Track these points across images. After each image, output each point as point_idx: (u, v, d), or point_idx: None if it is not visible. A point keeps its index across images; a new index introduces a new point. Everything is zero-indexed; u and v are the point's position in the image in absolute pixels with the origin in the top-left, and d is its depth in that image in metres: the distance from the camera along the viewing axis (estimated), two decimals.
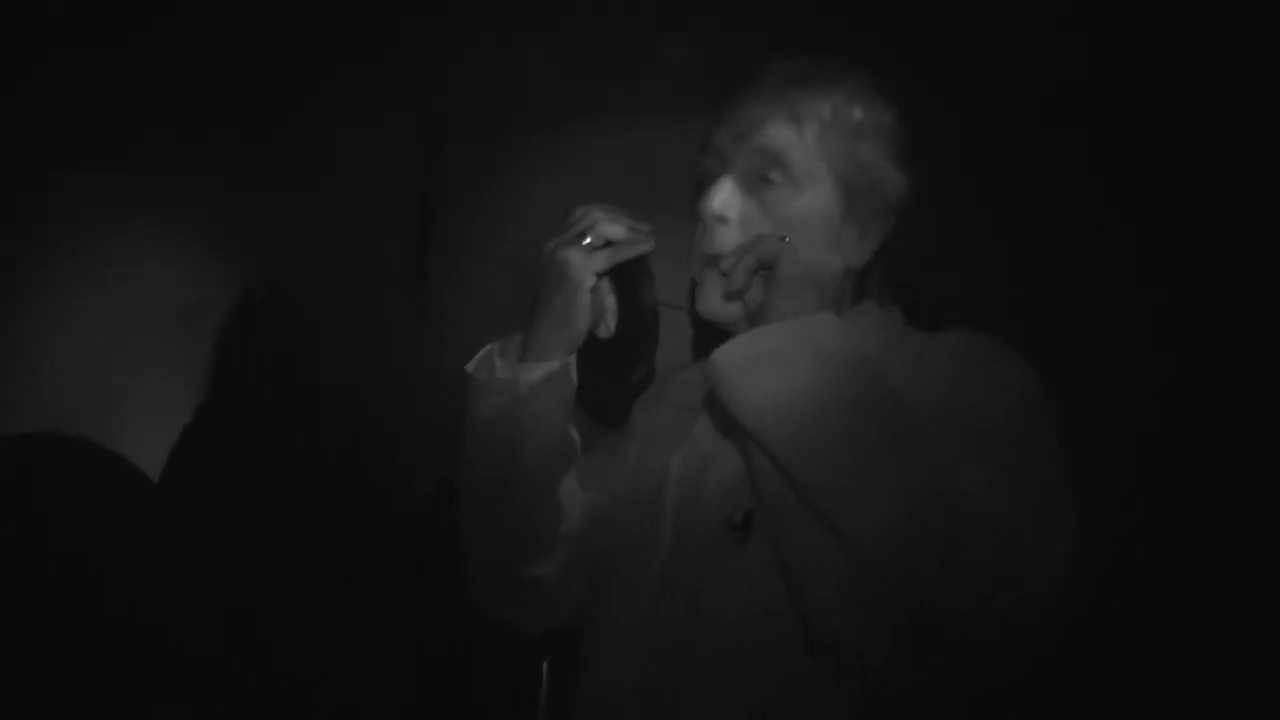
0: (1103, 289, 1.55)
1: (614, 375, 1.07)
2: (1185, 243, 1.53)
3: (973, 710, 0.84)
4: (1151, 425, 1.48)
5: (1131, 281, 1.54)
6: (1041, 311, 1.53)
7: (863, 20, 1.52)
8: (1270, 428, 1.46)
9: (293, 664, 1.61)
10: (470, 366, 1.04)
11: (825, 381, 0.83)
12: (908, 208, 1.03)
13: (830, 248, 0.99)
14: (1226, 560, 1.44)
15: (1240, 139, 1.52)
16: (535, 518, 1.05)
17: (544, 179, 1.77)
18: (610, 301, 1.05)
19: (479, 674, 1.69)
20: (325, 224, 1.74)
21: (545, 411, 1.01)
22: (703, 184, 1.04)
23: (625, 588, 1.01)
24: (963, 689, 0.82)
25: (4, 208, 1.62)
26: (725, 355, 0.87)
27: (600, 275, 1.00)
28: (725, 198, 1.00)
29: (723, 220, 1.00)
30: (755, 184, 1.00)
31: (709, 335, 1.05)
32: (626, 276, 1.03)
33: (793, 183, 0.99)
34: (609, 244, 1.00)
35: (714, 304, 1.00)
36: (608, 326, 1.06)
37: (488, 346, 1.05)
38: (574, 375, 1.03)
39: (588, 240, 0.99)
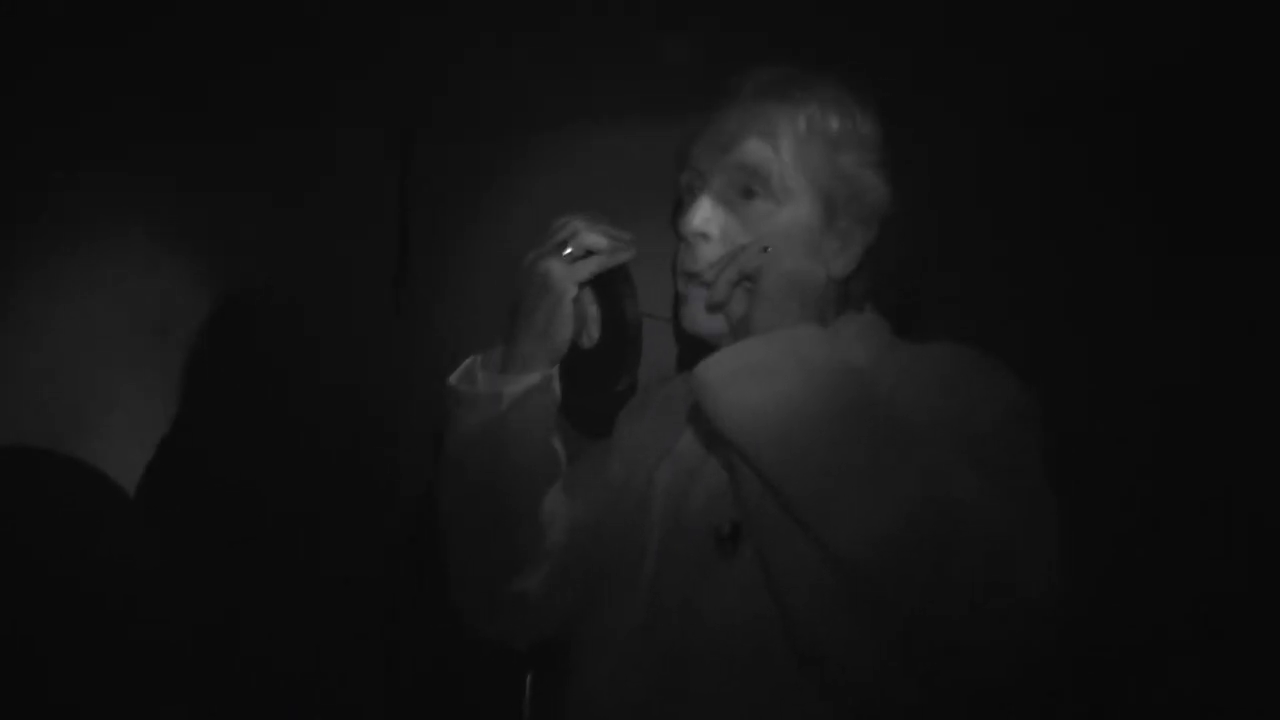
0: (1102, 289, 1.55)
1: (597, 386, 1.06)
2: (1185, 243, 1.53)
3: (968, 716, 0.84)
4: (1151, 425, 1.48)
5: (1131, 281, 1.54)
6: (1041, 311, 1.53)
7: (863, 20, 1.52)
8: (1270, 428, 1.46)
9: (273, 675, 1.61)
10: (453, 379, 1.03)
11: (810, 393, 0.82)
12: (889, 215, 1.02)
13: (813, 259, 0.99)
14: (1226, 560, 1.44)
15: (1240, 139, 1.52)
16: (519, 531, 1.05)
17: (527, 184, 1.77)
18: (593, 311, 1.04)
19: (463, 686, 1.69)
20: (305, 231, 1.74)
21: (528, 424, 1.01)
22: (681, 200, 1.04)
23: (613, 599, 1.01)
24: (956, 696, 0.82)
25: None
26: (708, 369, 0.86)
27: (582, 285, 1.00)
28: (705, 215, 0.99)
29: (705, 237, 0.99)
30: (735, 199, 0.99)
31: (693, 346, 1.05)
32: (608, 286, 1.03)
33: (772, 197, 0.98)
34: (590, 253, 0.99)
35: (698, 319, 1.00)
36: (590, 337, 1.05)
37: (470, 359, 1.04)
38: (557, 387, 1.02)
39: (569, 250, 0.99)
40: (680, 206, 1.04)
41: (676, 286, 1.03)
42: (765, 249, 0.93)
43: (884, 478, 0.79)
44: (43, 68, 1.60)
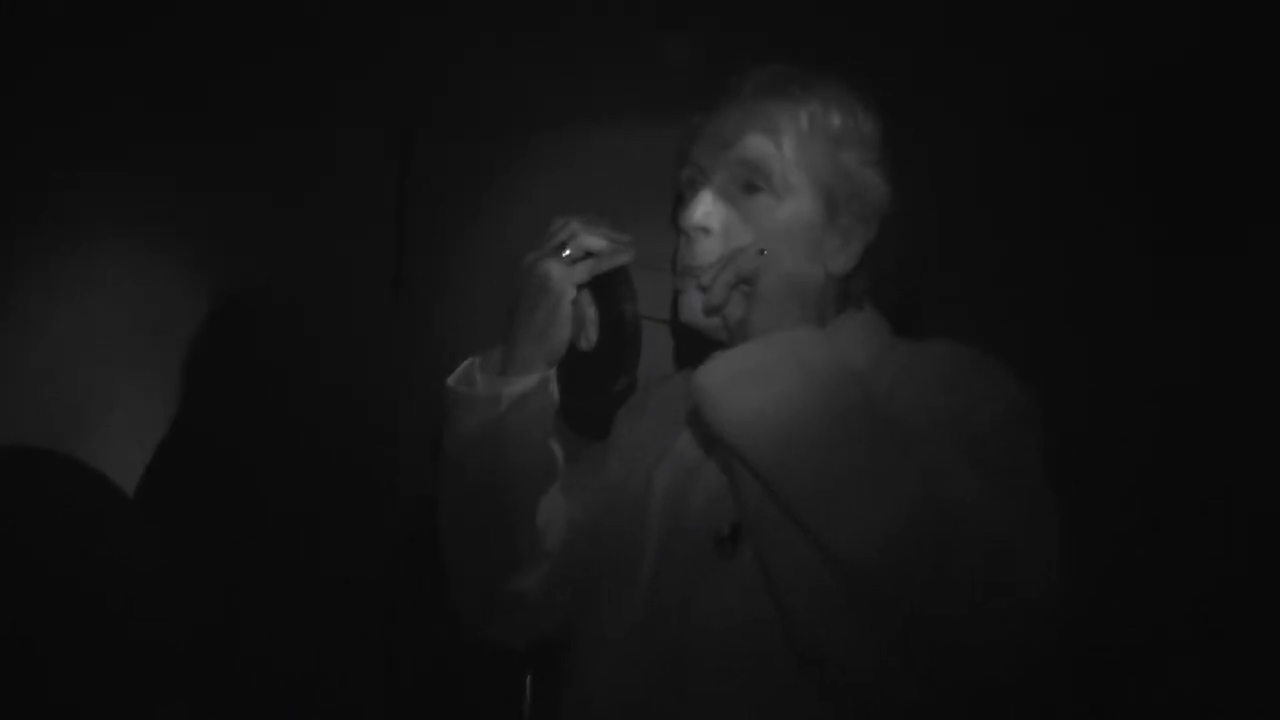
0: (1102, 289, 1.55)
1: (595, 387, 1.06)
2: (1185, 243, 1.53)
3: (968, 716, 0.84)
4: (1151, 425, 1.48)
5: (1131, 281, 1.54)
6: (1041, 311, 1.53)
7: (863, 20, 1.52)
8: (1270, 428, 1.46)
9: (273, 675, 1.61)
10: (451, 380, 1.03)
11: (809, 396, 0.82)
12: (889, 213, 1.02)
13: (813, 257, 0.99)
14: (1226, 561, 1.44)
15: (1240, 139, 1.52)
16: (517, 532, 1.04)
17: (527, 184, 1.77)
18: (591, 313, 1.04)
19: (463, 686, 1.69)
20: (304, 231, 1.74)
21: (526, 425, 1.01)
22: (682, 196, 1.04)
23: (612, 599, 1.01)
24: (956, 695, 0.82)
25: None
26: (707, 374, 0.86)
27: (580, 287, 1.00)
28: (707, 209, 0.99)
29: (705, 231, 0.99)
30: (736, 195, 0.99)
31: (690, 346, 1.05)
32: (607, 288, 1.03)
33: (774, 193, 0.98)
34: (589, 255, 0.99)
35: (695, 313, 1.00)
36: (588, 338, 1.05)
37: (468, 360, 1.04)
38: (555, 388, 1.03)
39: (567, 252, 0.99)
40: (680, 203, 1.04)
41: (674, 281, 1.03)
42: (762, 251, 0.92)
43: (883, 478, 0.79)
44: (43, 68, 1.60)
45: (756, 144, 0.98)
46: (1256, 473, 1.45)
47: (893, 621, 0.79)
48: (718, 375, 0.85)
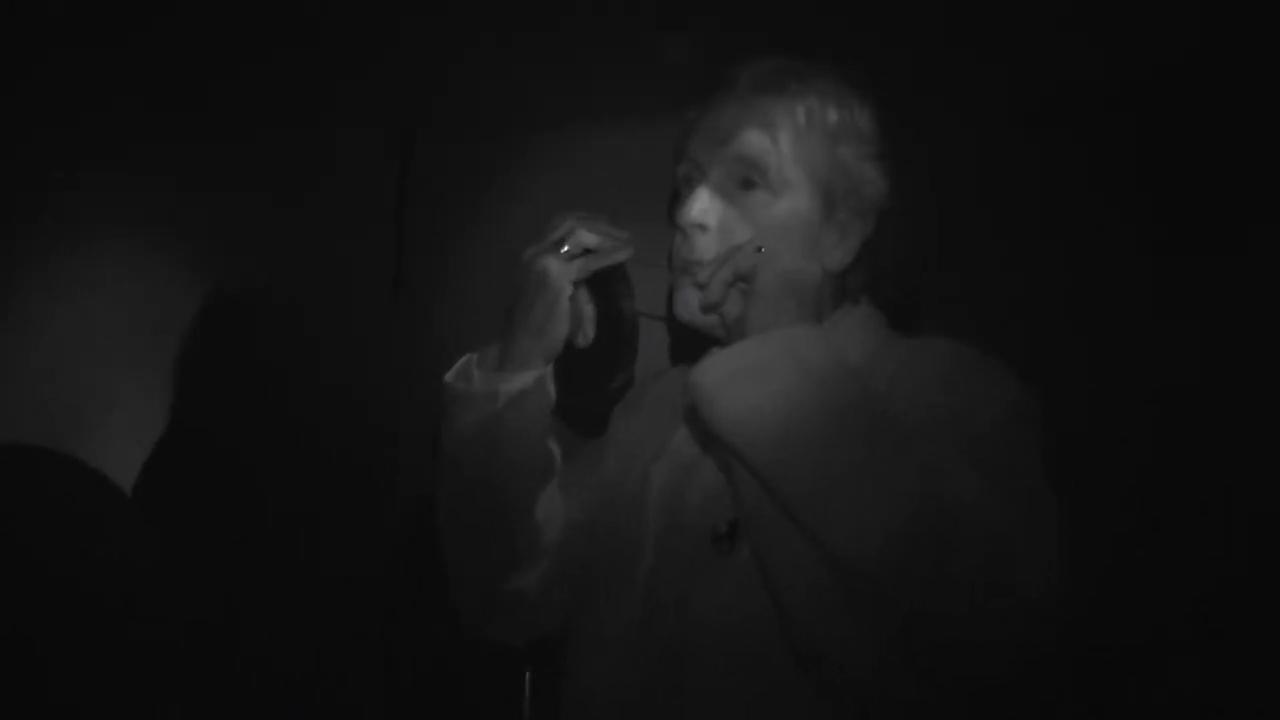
0: (1102, 289, 1.55)
1: (593, 384, 1.07)
2: (1185, 243, 1.53)
3: (968, 715, 0.84)
4: (1151, 425, 1.48)
5: (1131, 281, 1.54)
6: (1041, 311, 1.53)
7: (863, 20, 1.52)
8: (1270, 428, 1.46)
9: (273, 675, 1.61)
10: (448, 377, 1.04)
11: (807, 393, 0.82)
12: (887, 208, 1.02)
13: (810, 253, 0.99)
14: (1226, 561, 1.44)
15: (1240, 139, 1.52)
16: (515, 529, 1.05)
17: (527, 184, 1.77)
18: (589, 310, 1.05)
19: (463, 686, 1.69)
20: (304, 231, 1.74)
21: (524, 422, 1.01)
22: (679, 192, 1.04)
23: (610, 596, 1.01)
24: (956, 694, 0.82)
25: None
26: (704, 372, 0.86)
27: (578, 283, 1.00)
28: (704, 205, 0.99)
29: (702, 228, 0.99)
30: (733, 191, 0.99)
31: (687, 343, 1.05)
32: (605, 285, 1.03)
33: (770, 189, 0.98)
34: (587, 252, 0.99)
35: (692, 310, 1.00)
36: (586, 335, 1.05)
37: (466, 356, 1.05)
38: (552, 385, 1.03)
39: (566, 248, 0.99)
40: (677, 198, 1.04)
41: (671, 278, 1.03)
42: (760, 249, 0.92)
43: (882, 476, 0.79)
44: (43, 68, 1.60)
45: (753, 140, 0.98)
46: (1256, 473, 1.44)
47: (892, 619, 0.79)
48: (715, 373, 0.85)
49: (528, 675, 1.61)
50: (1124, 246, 1.54)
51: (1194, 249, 1.52)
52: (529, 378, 1.00)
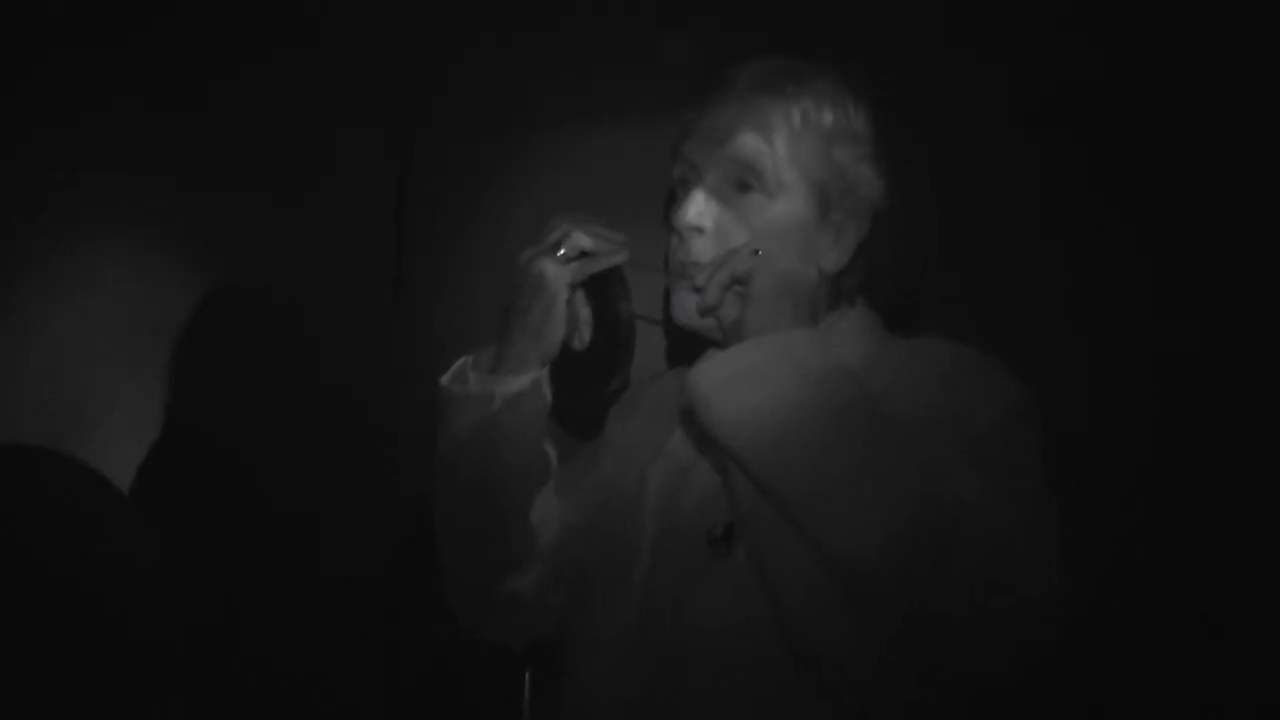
0: (1102, 289, 1.55)
1: (589, 387, 1.07)
2: (1185, 243, 1.53)
3: (968, 716, 0.84)
4: (1151, 425, 1.48)
5: (1131, 281, 1.54)
6: (1041, 311, 1.53)
7: (863, 20, 1.52)
8: (1270, 428, 1.46)
9: (273, 675, 1.61)
10: (444, 379, 1.03)
11: (805, 396, 0.82)
12: (883, 209, 1.02)
13: (806, 255, 0.99)
14: (1226, 561, 1.44)
15: (1240, 139, 1.52)
16: (511, 531, 1.05)
17: (527, 184, 1.77)
18: (585, 313, 1.05)
19: (463, 686, 1.69)
20: (304, 231, 1.74)
21: (520, 424, 1.01)
22: (675, 194, 1.04)
23: (606, 598, 1.01)
24: (955, 694, 0.82)
25: None
26: (701, 375, 0.86)
27: (575, 286, 1.00)
28: (700, 208, 0.99)
29: (698, 231, 0.99)
30: (729, 193, 0.99)
31: (683, 345, 1.05)
32: (602, 287, 1.03)
33: (766, 191, 0.98)
34: (584, 254, 0.99)
35: (688, 313, 1.00)
36: (582, 338, 1.05)
37: (462, 359, 1.05)
38: (548, 387, 1.03)
39: (562, 251, 0.99)
40: (673, 200, 1.04)
41: (667, 280, 1.03)
42: (756, 252, 0.92)
43: (881, 477, 0.79)
44: (43, 68, 1.60)
45: (749, 142, 0.98)
46: (1256, 473, 1.44)
47: (891, 619, 0.79)
48: (712, 376, 0.85)
49: (528, 675, 1.61)
50: (1124, 246, 1.55)
51: (1194, 249, 1.52)
52: (525, 380, 1.00)
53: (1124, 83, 1.56)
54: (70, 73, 1.61)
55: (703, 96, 1.03)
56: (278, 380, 1.73)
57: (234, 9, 1.58)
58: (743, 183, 0.98)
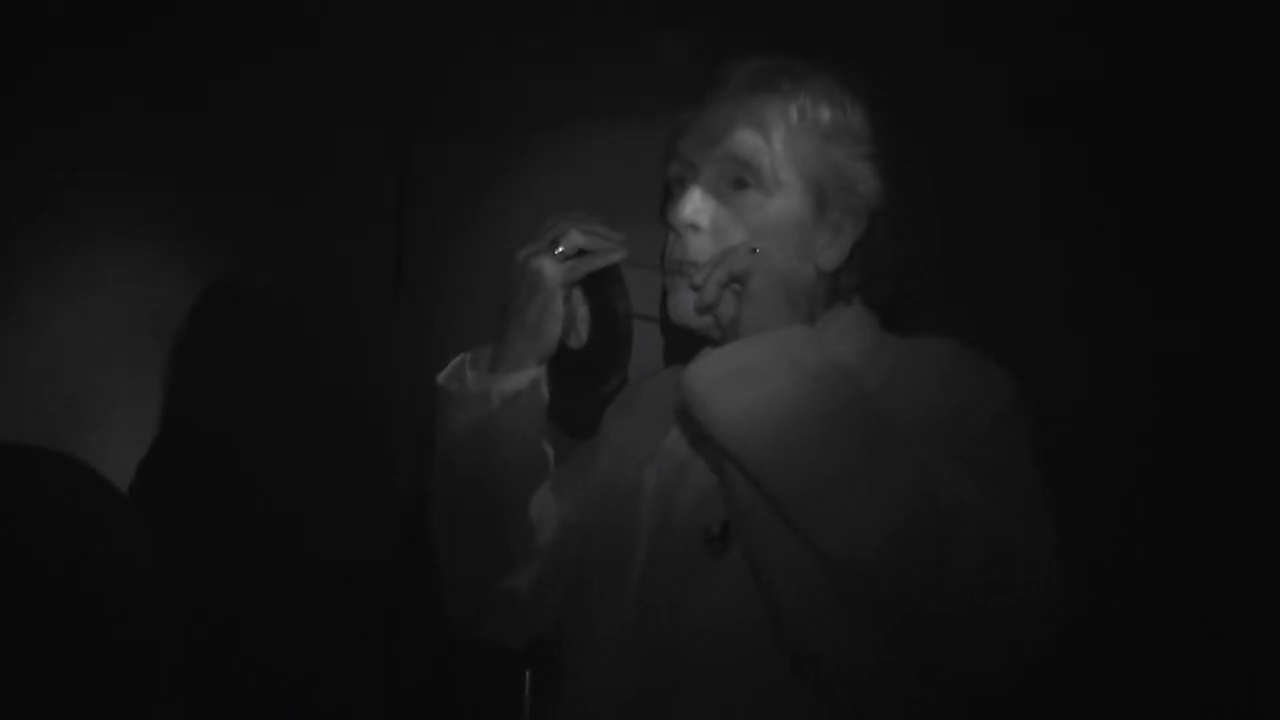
0: (1102, 289, 1.55)
1: (587, 385, 1.07)
2: (1185, 243, 1.53)
3: (970, 715, 0.84)
4: (1151, 425, 1.48)
5: (1131, 281, 1.54)
6: (1041, 311, 1.53)
7: (863, 20, 1.52)
8: (1270, 427, 1.46)
9: (273, 675, 1.61)
10: (441, 377, 1.03)
11: (802, 395, 0.81)
12: (880, 207, 1.02)
13: (803, 253, 0.99)
14: (1225, 561, 1.44)
15: (1240, 139, 1.52)
16: (509, 530, 1.04)
17: (527, 184, 1.77)
18: (582, 312, 1.05)
19: (462, 686, 1.69)
20: (304, 231, 1.74)
21: (517, 422, 1.01)
22: (671, 191, 1.04)
23: (603, 598, 1.00)
24: (955, 694, 0.82)
25: None
26: (697, 373, 0.86)
27: (573, 284, 1.00)
28: (696, 205, 0.98)
29: (695, 228, 0.99)
30: (725, 191, 0.99)
31: (680, 344, 1.05)
32: (599, 286, 1.03)
33: (763, 188, 0.98)
34: (581, 253, 0.99)
35: (686, 311, 0.99)
36: (579, 336, 1.05)
37: (459, 357, 1.04)
38: (546, 386, 1.03)
39: (560, 249, 0.99)
40: (669, 198, 1.04)
41: (664, 279, 1.02)
42: (754, 250, 0.92)
43: (878, 477, 0.78)
44: (43, 68, 1.60)
45: (745, 140, 0.98)
46: (1256, 472, 1.44)
47: (888, 620, 0.78)
48: (708, 374, 0.85)
49: (528, 675, 1.61)
50: (1124, 246, 1.55)
51: (1194, 249, 1.52)
52: (523, 378, 1.00)
53: (1124, 83, 1.56)
54: (70, 73, 1.61)
55: (698, 95, 1.03)
56: (278, 380, 1.73)
57: (234, 9, 1.58)
58: (739, 180, 0.98)
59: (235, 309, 1.75)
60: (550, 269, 0.98)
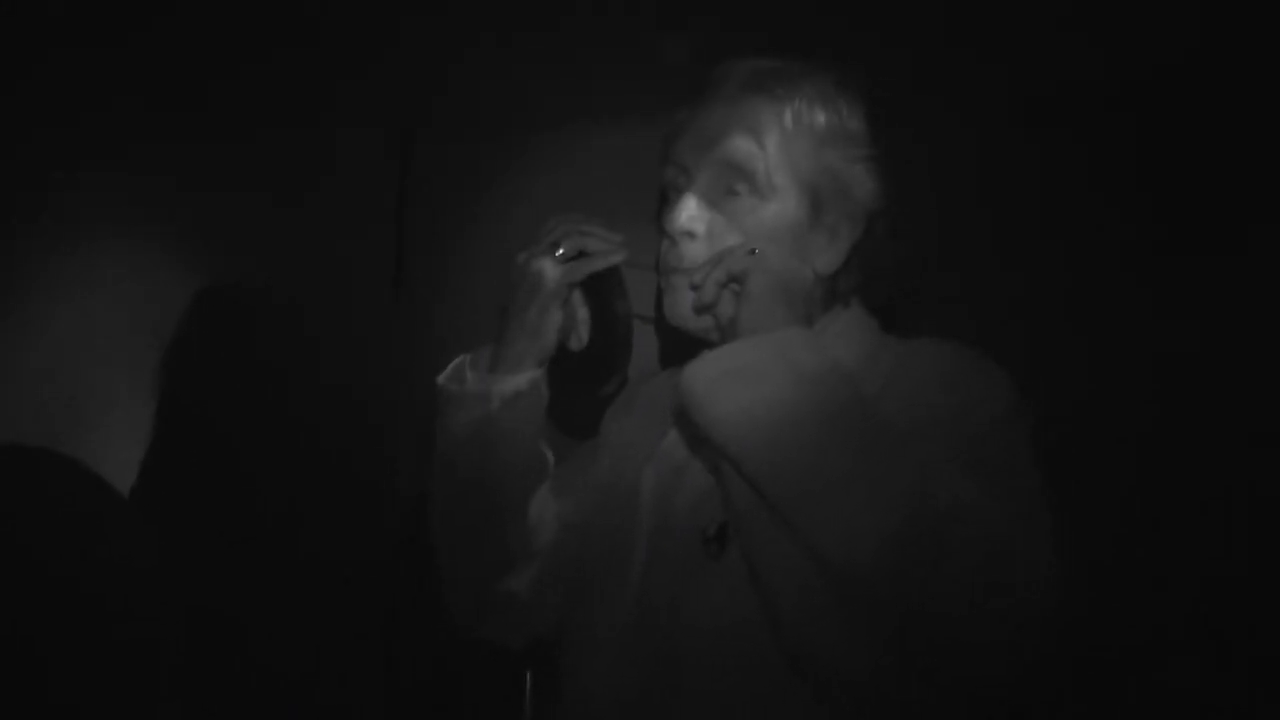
0: (1102, 289, 1.55)
1: (587, 386, 1.07)
2: (1185, 243, 1.53)
3: (970, 715, 0.84)
4: (1151, 425, 1.48)
5: (1131, 281, 1.54)
6: (1041, 311, 1.53)
7: (863, 20, 1.52)
8: (1270, 427, 1.46)
9: (273, 675, 1.61)
10: (441, 378, 1.04)
11: (799, 396, 0.81)
12: (876, 210, 1.02)
13: (799, 257, 0.98)
14: (1225, 561, 1.44)
15: (1240, 139, 1.52)
16: (508, 530, 1.05)
17: (527, 184, 1.77)
18: (582, 313, 1.05)
19: (462, 686, 1.69)
20: (304, 231, 1.74)
21: (517, 423, 1.01)
22: (666, 196, 1.03)
23: (603, 598, 1.00)
24: (955, 694, 0.82)
25: None
26: (694, 374, 0.86)
27: (573, 286, 1.00)
28: (691, 213, 0.98)
29: (690, 235, 0.99)
30: (720, 196, 0.99)
31: (678, 345, 1.05)
32: (599, 287, 1.03)
33: (758, 194, 0.97)
34: (582, 254, 0.99)
35: (683, 313, 0.99)
36: (579, 338, 1.05)
37: (459, 358, 1.05)
38: (545, 387, 1.03)
39: (560, 251, 0.99)
40: (665, 202, 1.03)
41: (662, 281, 1.02)
42: (752, 251, 0.92)
43: (876, 478, 0.78)
44: (43, 68, 1.59)
45: (740, 144, 0.97)
46: (1256, 472, 1.44)
47: (886, 621, 0.78)
48: (705, 375, 0.85)
49: (528, 675, 1.61)
50: (1124, 246, 1.54)
51: (1194, 249, 1.52)
52: (523, 379, 1.00)
53: (1124, 83, 1.56)
54: (70, 73, 1.61)
55: (693, 97, 1.03)
56: (277, 380, 1.73)
57: (234, 9, 1.58)
58: (733, 187, 0.98)
59: (235, 309, 1.75)
60: (550, 271, 0.98)
